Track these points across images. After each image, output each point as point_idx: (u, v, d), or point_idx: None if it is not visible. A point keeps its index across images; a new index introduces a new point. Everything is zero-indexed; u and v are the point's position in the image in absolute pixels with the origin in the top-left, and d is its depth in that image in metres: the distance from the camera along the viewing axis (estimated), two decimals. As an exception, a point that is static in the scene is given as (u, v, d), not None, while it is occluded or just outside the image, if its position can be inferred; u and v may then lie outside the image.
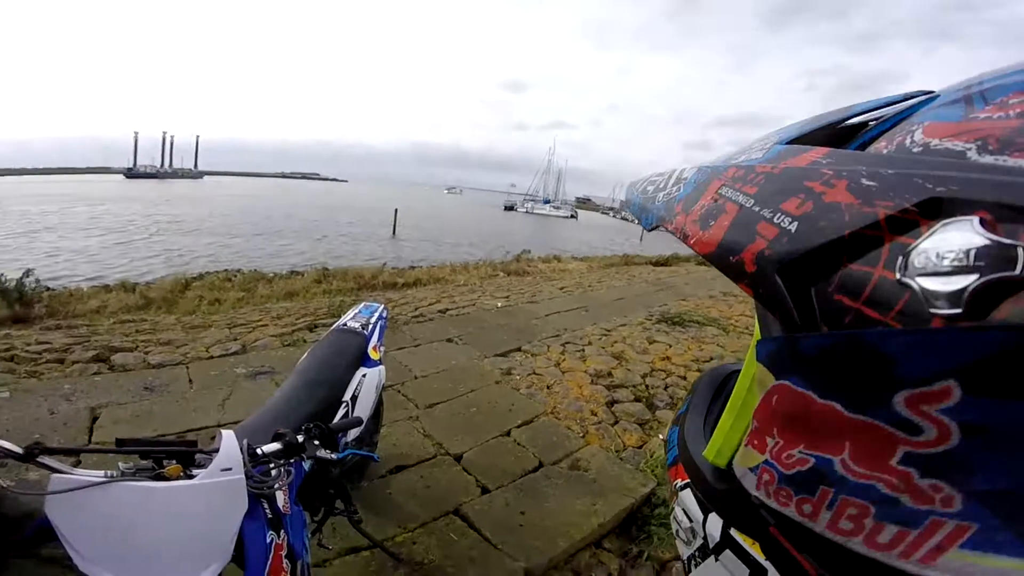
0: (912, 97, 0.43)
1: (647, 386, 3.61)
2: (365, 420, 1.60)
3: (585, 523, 2.04)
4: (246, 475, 0.84)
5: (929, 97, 0.42)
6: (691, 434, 0.59)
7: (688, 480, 0.56)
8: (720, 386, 0.63)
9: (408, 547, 1.81)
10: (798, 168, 0.39)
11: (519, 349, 4.01)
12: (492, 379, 3.34)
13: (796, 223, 0.35)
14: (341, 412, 1.51)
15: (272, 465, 0.92)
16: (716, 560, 0.50)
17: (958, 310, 0.26)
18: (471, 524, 1.96)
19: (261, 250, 16.92)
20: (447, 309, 5.11)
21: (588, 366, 3.83)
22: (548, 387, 3.36)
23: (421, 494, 2.11)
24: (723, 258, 0.39)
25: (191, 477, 0.79)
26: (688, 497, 0.56)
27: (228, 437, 0.85)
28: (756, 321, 0.43)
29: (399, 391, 3.02)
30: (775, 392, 0.36)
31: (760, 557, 0.44)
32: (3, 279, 4.55)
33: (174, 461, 0.80)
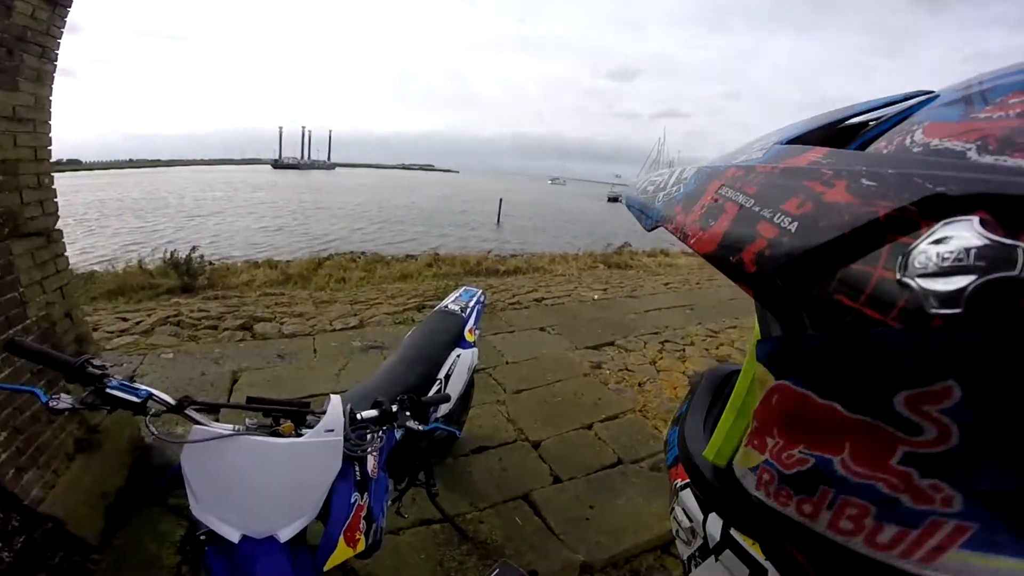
0: (912, 97, 0.43)
1: None
2: (455, 398, 1.68)
3: (656, 526, 1.99)
4: (344, 437, 0.91)
5: (929, 97, 0.42)
6: (691, 434, 0.59)
7: (688, 480, 0.57)
8: (720, 386, 0.63)
9: (475, 525, 1.88)
10: (798, 168, 0.39)
11: (612, 343, 3.93)
12: (581, 371, 3.30)
13: (796, 223, 0.35)
14: (435, 388, 1.60)
15: (368, 431, 0.98)
16: (716, 560, 0.50)
17: (958, 310, 0.26)
18: (538, 511, 2.00)
19: (382, 234, 18.59)
20: (543, 298, 5.16)
21: (687, 367, 3.62)
22: (640, 384, 3.24)
23: (497, 476, 2.18)
24: (723, 258, 0.39)
25: (300, 435, 0.87)
26: (688, 497, 0.57)
27: (335, 402, 0.93)
28: (755, 321, 0.44)
29: (490, 375, 3.09)
30: (775, 392, 0.36)
31: (760, 557, 0.44)
32: (176, 254, 5.46)
33: (289, 420, 0.88)
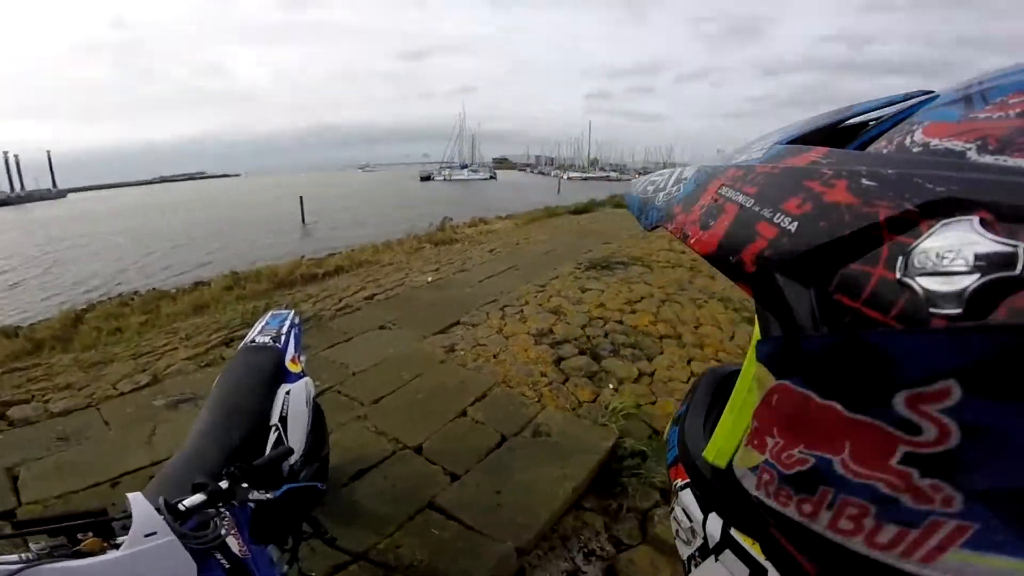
0: (912, 97, 0.44)
1: (588, 337, 3.65)
2: (300, 445, 1.46)
3: (560, 489, 2.05)
4: (178, 534, 0.75)
5: (929, 97, 0.42)
6: (691, 434, 0.59)
7: (688, 480, 0.57)
8: (720, 386, 0.63)
9: (392, 552, 1.74)
10: (798, 168, 0.39)
11: (458, 323, 3.91)
12: (436, 360, 3.21)
13: (796, 223, 0.35)
14: (272, 439, 1.35)
15: (206, 516, 0.83)
16: (716, 560, 0.50)
17: (958, 310, 0.26)
18: (449, 515, 1.92)
19: (158, 266, 15.28)
20: (374, 294, 4.85)
21: (530, 326, 3.77)
22: (495, 356, 3.26)
23: (389, 494, 2.03)
24: (723, 258, 0.39)
25: (117, 547, 0.71)
26: (688, 497, 0.56)
27: (137, 500, 0.76)
28: (756, 321, 0.43)
29: (339, 391, 2.83)
30: (775, 392, 0.36)
31: (760, 557, 0.44)
32: None
33: (90, 533, 0.72)
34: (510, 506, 1.98)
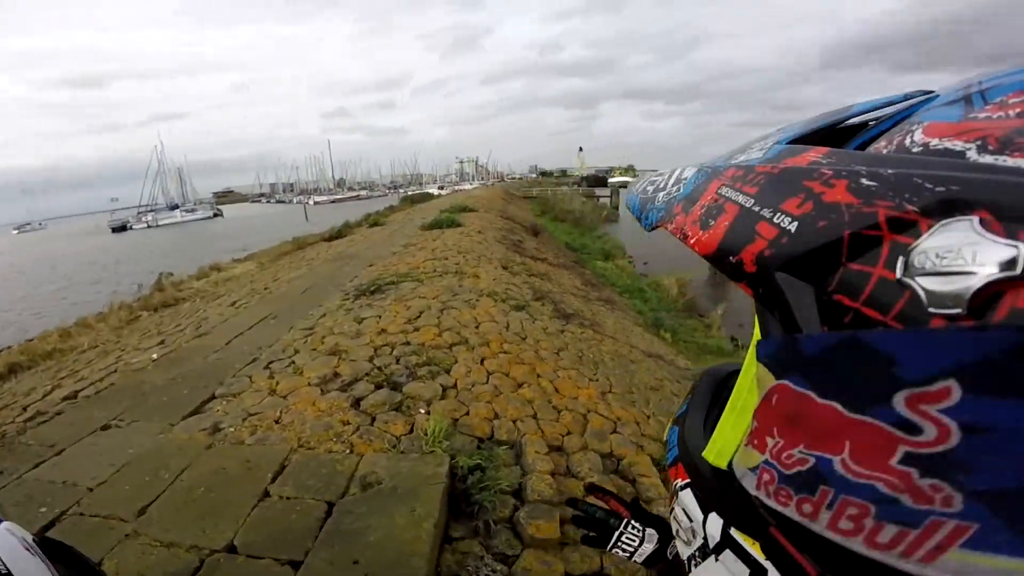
0: (912, 97, 0.44)
1: (379, 368, 3.41)
2: None
3: (420, 532, 1.91)
4: None
5: (929, 97, 0.42)
6: (691, 434, 0.58)
7: (688, 480, 0.56)
8: (720, 386, 0.62)
9: None
10: (798, 168, 0.39)
11: (213, 396, 3.20)
12: (199, 446, 2.59)
13: (796, 223, 0.35)
14: None
15: None
16: (716, 560, 0.50)
17: (958, 310, 0.26)
18: None
19: None
20: (77, 391, 3.68)
21: (309, 376, 3.32)
22: (277, 422, 2.79)
23: None
24: (723, 258, 0.39)
25: None
26: (688, 497, 0.56)
27: None
28: (755, 321, 0.43)
29: (81, 514, 2.14)
30: (775, 392, 0.35)
31: (760, 557, 0.44)
32: None
33: None
34: (378, 570, 1.78)
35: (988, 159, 0.30)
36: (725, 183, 0.44)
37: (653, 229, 0.53)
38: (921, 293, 0.28)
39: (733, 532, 0.49)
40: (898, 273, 0.29)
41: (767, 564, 0.44)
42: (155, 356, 4.26)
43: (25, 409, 3.46)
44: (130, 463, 2.52)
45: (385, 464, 2.41)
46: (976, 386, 0.25)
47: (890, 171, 0.33)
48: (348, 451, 2.54)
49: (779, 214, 0.37)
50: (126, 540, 1.97)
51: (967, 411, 0.25)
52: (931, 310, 0.27)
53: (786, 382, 0.35)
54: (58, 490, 2.34)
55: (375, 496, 2.18)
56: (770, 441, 0.37)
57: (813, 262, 0.34)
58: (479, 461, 2.40)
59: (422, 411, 2.95)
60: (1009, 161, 0.29)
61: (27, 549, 1.15)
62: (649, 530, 0.88)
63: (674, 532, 0.60)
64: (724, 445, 0.49)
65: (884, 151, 0.39)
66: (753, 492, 0.39)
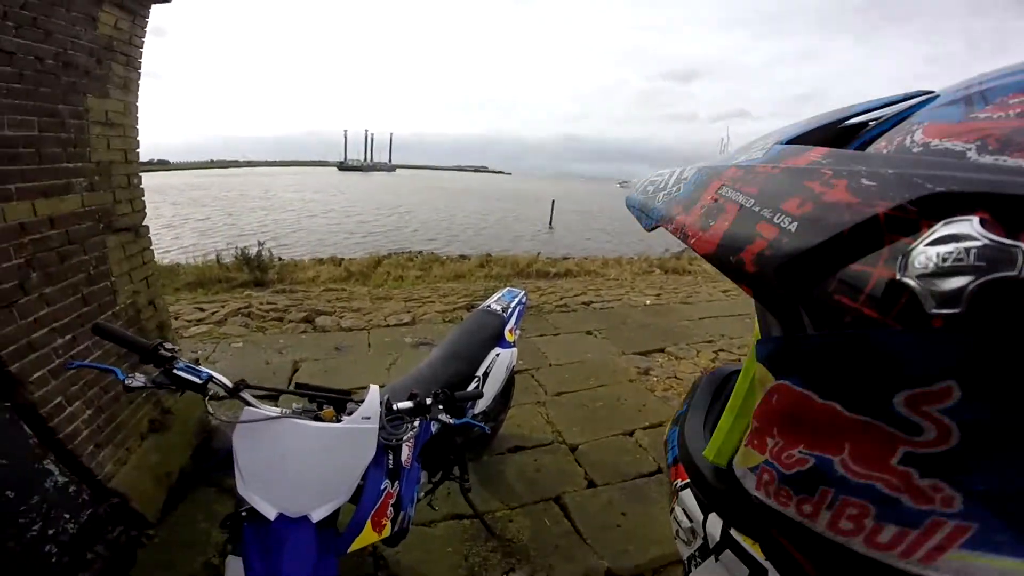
0: (912, 97, 0.43)
1: None
2: (490, 395, 1.72)
3: None
4: (380, 426, 0.95)
5: (929, 97, 0.42)
6: (691, 434, 0.59)
7: (688, 480, 0.57)
8: (720, 386, 0.63)
9: (504, 523, 1.88)
10: (798, 168, 0.39)
11: (662, 350, 3.80)
12: (627, 377, 3.21)
13: (796, 223, 0.35)
14: (472, 385, 1.63)
15: (403, 420, 1.02)
16: (716, 560, 0.50)
17: (958, 310, 0.26)
18: (568, 514, 1.97)
19: (441, 234, 18.97)
20: (592, 301, 5.04)
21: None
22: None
23: (530, 476, 2.16)
24: (723, 258, 0.39)
25: (340, 422, 0.91)
26: (688, 497, 0.57)
27: (373, 391, 0.96)
28: (755, 321, 0.43)
29: (532, 376, 3.08)
30: (775, 392, 0.36)
31: (760, 557, 0.44)
32: (248, 250, 5.85)
33: (331, 407, 0.92)
34: (628, 531, 1.95)
35: (988, 159, 0.29)
36: (725, 183, 0.43)
37: (653, 229, 0.53)
38: (921, 293, 0.27)
39: (733, 532, 0.48)
40: (898, 273, 0.29)
41: (767, 564, 0.43)
42: (648, 302, 5.30)
43: (561, 299, 5.02)
44: (582, 362, 3.36)
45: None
46: (976, 386, 0.25)
47: (890, 171, 0.33)
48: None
49: (779, 214, 0.36)
50: (534, 405, 2.74)
51: (967, 411, 0.25)
52: (931, 310, 0.26)
53: (786, 382, 0.35)
54: (537, 355, 3.41)
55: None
56: (770, 441, 0.37)
57: (813, 262, 0.33)
58: None
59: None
60: (1009, 161, 0.28)
61: (506, 369, 1.92)
62: None
63: (674, 532, 0.59)
64: (724, 445, 0.49)
65: (884, 151, 0.38)
66: (753, 492, 0.39)
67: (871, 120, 0.46)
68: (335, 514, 0.93)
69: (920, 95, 0.43)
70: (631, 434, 2.61)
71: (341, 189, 45.53)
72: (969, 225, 0.27)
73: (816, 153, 0.40)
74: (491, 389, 1.73)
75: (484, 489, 2.05)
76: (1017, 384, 0.23)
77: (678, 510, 0.60)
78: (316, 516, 0.88)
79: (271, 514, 0.85)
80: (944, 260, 0.27)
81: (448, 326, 3.88)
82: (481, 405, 1.69)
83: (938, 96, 0.41)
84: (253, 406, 0.87)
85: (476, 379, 1.68)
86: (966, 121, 0.33)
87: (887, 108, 0.45)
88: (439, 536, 1.82)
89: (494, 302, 2.05)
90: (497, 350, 1.81)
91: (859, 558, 0.30)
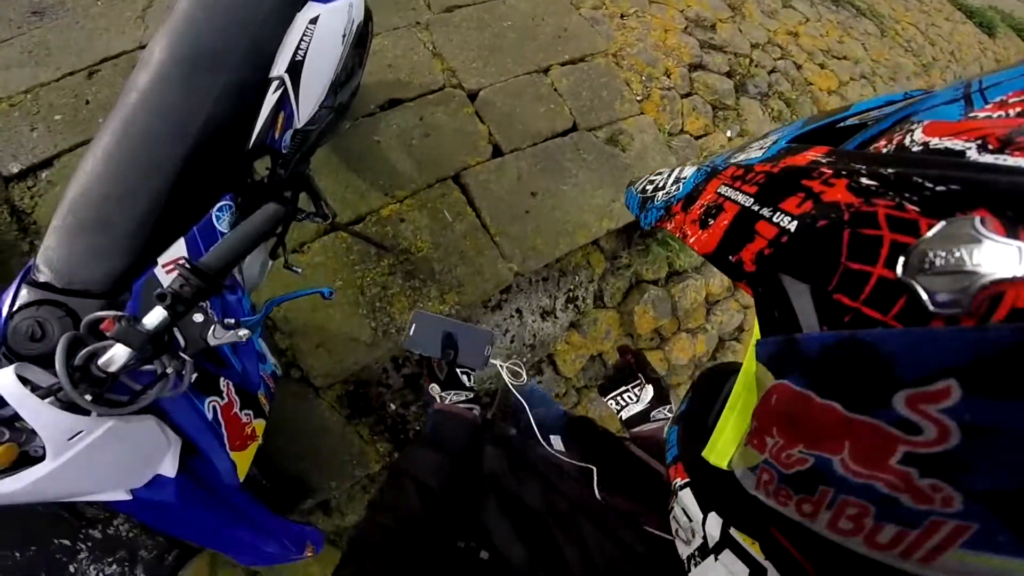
0: (912, 96, 0.43)
1: (751, 60, 2.66)
2: (321, 96, 0.89)
3: (595, 224, 1.69)
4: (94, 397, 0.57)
5: (929, 96, 0.41)
6: (691, 434, 0.57)
7: (688, 480, 0.55)
8: (720, 386, 0.60)
9: (394, 225, 1.46)
10: (798, 167, 0.38)
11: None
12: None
13: (796, 222, 0.35)
14: (271, 102, 0.76)
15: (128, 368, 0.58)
16: (716, 560, 0.48)
17: (958, 310, 0.25)
18: (471, 201, 1.58)
19: None
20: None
21: (690, 5, 2.67)
22: (622, 16, 2.35)
23: (418, 145, 1.59)
24: (722, 258, 0.39)
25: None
26: (688, 497, 0.55)
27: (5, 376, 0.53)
28: (755, 321, 0.40)
29: None
30: (774, 392, 0.35)
31: (760, 557, 0.43)
32: None
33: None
34: (537, 218, 1.64)
35: (988, 158, 0.29)
36: (725, 182, 0.43)
37: (652, 228, 0.53)
38: (921, 293, 0.27)
39: (732, 532, 0.47)
40: (898, 273, 0.28)
41: (767, 564, 0.42)
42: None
43: None
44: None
45: (646, 140, 2.13)
46: (976, 386, 0.24)
47: (890, 170, 0.32)
48: (639, 99, 2.17)
49: (779, 213, 0.36)
50: (412, 29, 1.88)
51: (967, 411, 0.25)
52: (931, 310, 0.26)
53: (786, 382, 0.34)
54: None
55: (608, 158, 2.04)
56: (769, 441, 0.36)
57: (813, 261, 0.33)
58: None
59: (728, 134, 2.43)
60: (1009, 160, 0.28)
61: (341, 37, 0.96)
62: (647, 387, 0.87)
63: (673, 531, 0.58)
64: (724, 445, 0.48)
65: (884, 150, 0.38)
66: (752, 492, 0.39)
67: (871, 119, 0.45)
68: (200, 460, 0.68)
69: (920, 94, 0.43)
70: (546, 72, 1.97)
71: None
72: (969, 224, 0.26)
73: (816, 152, 0.39)
74: (313, 92, 0.87)
75: (357, 175, 1.48)
76: (1017, 384, 0.23)
77: (677, 510, 0.57)
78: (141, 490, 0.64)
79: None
80: (944, 260, 0.26)
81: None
82: (305, 117, 0.87)
83: (938, 95, 0.40)
84: None
85: (275, 86, 0.77)
86: (966, 120, 0.33)
87: (887, 107, 0.44)
88: (316, 278, 1.35)
89: None
90: (313, 8, 0.83)
91: (859, 558, 0.30)
